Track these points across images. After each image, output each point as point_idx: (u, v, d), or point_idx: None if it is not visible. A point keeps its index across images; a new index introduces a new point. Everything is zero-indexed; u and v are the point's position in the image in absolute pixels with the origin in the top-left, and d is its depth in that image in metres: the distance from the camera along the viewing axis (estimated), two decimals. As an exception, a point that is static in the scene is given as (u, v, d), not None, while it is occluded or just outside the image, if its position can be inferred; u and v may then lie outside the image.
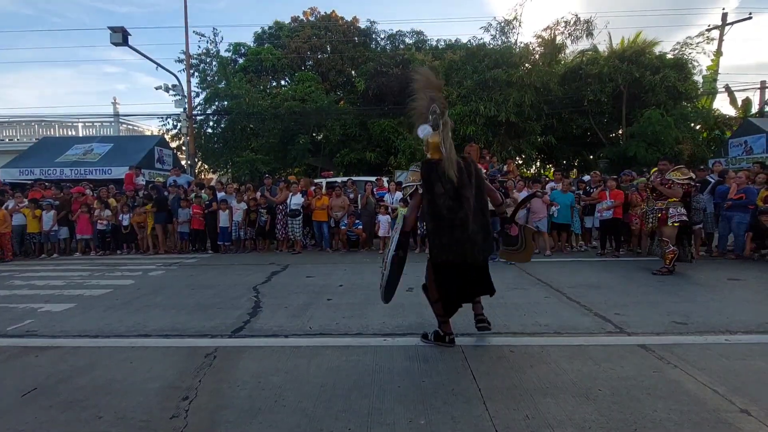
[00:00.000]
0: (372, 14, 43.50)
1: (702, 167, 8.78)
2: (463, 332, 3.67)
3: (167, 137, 17.08)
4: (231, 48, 19.12)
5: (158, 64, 14.33)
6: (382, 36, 19.36)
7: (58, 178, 12.53)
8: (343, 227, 8.98)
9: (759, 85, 16.61)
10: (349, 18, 19.81)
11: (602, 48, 15.63)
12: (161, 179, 13.03)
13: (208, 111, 17.50)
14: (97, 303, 4.96)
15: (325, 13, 20.09)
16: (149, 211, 9.11)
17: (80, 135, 16.93)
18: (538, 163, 18.02)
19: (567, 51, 15.70)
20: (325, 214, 9.01)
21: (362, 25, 19.42)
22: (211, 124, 17.92)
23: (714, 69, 16.03)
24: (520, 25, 15.56)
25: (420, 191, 3.21)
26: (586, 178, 9.82)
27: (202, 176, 17.75)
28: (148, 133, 18.97)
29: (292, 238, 9.10)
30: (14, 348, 3.48)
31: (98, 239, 9.47)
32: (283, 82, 19.67)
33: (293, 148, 15.98)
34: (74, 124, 17.66)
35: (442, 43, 18.79)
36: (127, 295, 5.29)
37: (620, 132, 15.37)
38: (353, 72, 18.92)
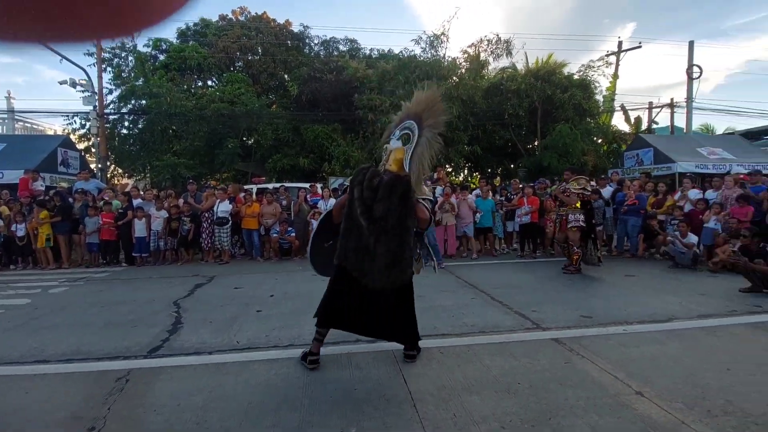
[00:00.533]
0: (304, 19, 43.12)
1: (603, 176, 9.92)
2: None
3: (74, 137, 15.28)
4: (150, 43, 17.72)
5: (63, 56, 12.76)
6: (316, 41, 19.24)
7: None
8: (274, 235, 8.69)
9: (647, 105, 19.19)
10: (281, 21, 19.43)
11: (520, 66, 16.99)
12: (65, 184, 11.59)
13: (123, 110, 16.01)
14: (-21, 328, 4.27)
15: (256, 13, 19.50)
16: (45, 221, 8.05)
17: (-39, 132, 14.58)
18: (465, 171, 19.01)
19: (490, 67, 16.83)
20: (255, 221, 8.66)
21: (295, 29, 19.14)
22: (126, 124, 16.41)
23: (612, 90, 18.17)
24: (447, 40, 16.39)
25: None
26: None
27: (116, 181, 16.17)
28: (50, 132, 16.86)
29: (219, 248, 8.61)
30: None
31: (-17, 253, 8.18)
32: (210, 83, 18.65)
33: (221, 152, 15.17)
34: (-48, 119, 15.18)
35: (376, 53, 19.15)
36: (22, 316, 4.62)
37: (536, 143, 16.76)
38: (286, 76, 18.52)
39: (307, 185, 11.02)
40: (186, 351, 3.50)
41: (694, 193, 8.30)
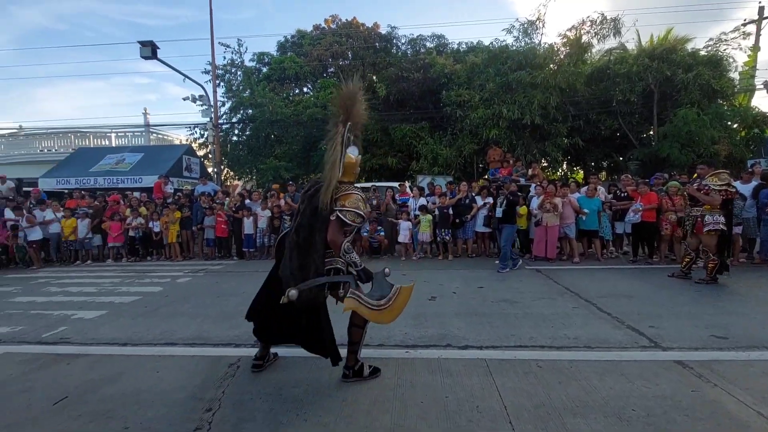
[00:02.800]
0: (393, 20, 43.67)
1: (749, 170, 8.11)
2: (488, 345, 3.58)
3: (194, 146, 17.60)
4: (255, 58, 19.57)
5: (185, 76, 14.81)
6: (403, 41, 19.39)
7: (92, 187, 13.08)
8: (364, 234, 8.97)
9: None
10: (370, 24, 19.98)
11: (631, 46, 15.12)
12: (189, 187, 13.41)
13: (233, 119, 17.93)
14: (127, 310, 5.11)
15: (347, 20, 20.31)
16: (172, 219, 9.36)
17: (113, 145, 17.65)
18: (564, 166, 17.57)
19: (593, 50, 15.27)
20: (346, 220, 9.02)
21: (383, 30, 19.52)
22: (236, 132, 18.36)
23: (751, 65, 15.19)
24: (543, 26, 15.25)
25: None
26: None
27: (228, 183, 18.17)
28: (176, 142, 19.60)
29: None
30: (48, 355, 3.61)
31: (128, 246, 9.81)
32: (305, 90, 19.95)
33: (315, 154, 16.15)
34: (107, 134, 18.43)
35: (464, 46, 18.65)
36: (156, 303, 5.43)
37: (651, 132, 14.80)
38: (374, 77, 19.01)
39: (395, 184, 11.18)
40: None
41: None
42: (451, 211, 8.52)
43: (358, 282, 2.80)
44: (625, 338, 3.69)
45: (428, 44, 18.93)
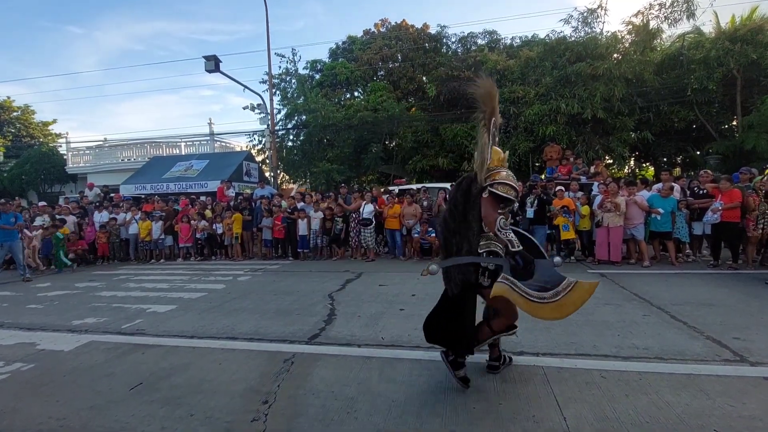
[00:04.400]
0: (443, 19, 43.24)
1: None
2: (545, 352, 3.40)
3: (253, 152, 18.59)
4: (308, 65, 20.28)
5: (245, 86, 15.69)
6: (453, 40, 19.12)
7: (165, 192, 14.27)
8: (415, 235, 8.92)
9: None
10: (419, 25, 19.93)
11: (707, 29, 13.74)
12: (249, 191, 14.17)
13: (289, 126, 18.69)
14: (194, 305, 5.49)
15: (396, 23, 20.42)
16: (235, 220, 9.93)
17: (182, 153, 19.13)
18: (632, 162, 16.33)
19: (664, 36, 14.06)
20: (397, 222, 9.05)
21: (433, 30, 19.38)
22: (291, 137, 19.13)
23: None
24: (605, 13, 14.32)
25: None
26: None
27: (284, 186, 18.98)
28: (237, 149, 20.82)
29: (365, 246, 9.28)
30: (127, 345, 3.97)
31: (196, 246, 10.57)
32: (356, 94, 20.33)
33: (366, 156, 16.39)
34: (178, 143, 20.00)
35: (518, 41, 18.02)
36: (219, 299, 5.78)
37: (734, 123, 13.32)
38: (424, 78, 18.90)
39: (447, 185, 11.02)
40: (339, 341, 3.84)
41: None
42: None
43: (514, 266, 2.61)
44: (704, 350, 3.32)
45: (479, 41, 18.51)
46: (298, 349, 3.65)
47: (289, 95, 19.01)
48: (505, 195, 2.64)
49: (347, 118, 16.54)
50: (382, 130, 16.60)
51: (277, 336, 4.05)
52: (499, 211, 2.65)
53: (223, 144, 20.64)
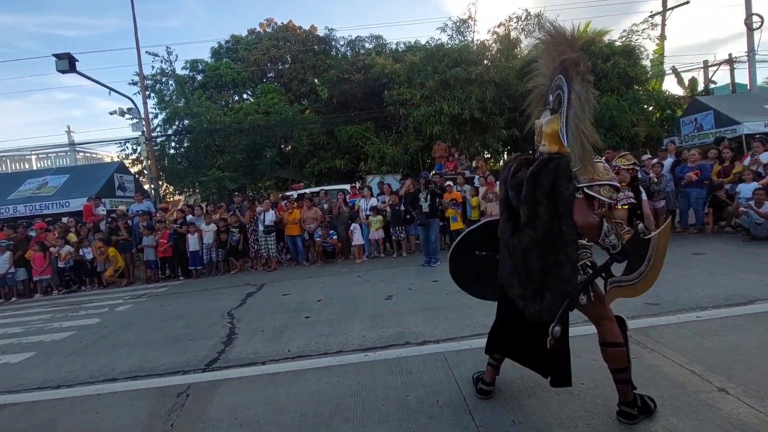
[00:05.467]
0: (329, 22, 43.45)
1: (663, 148, 9.08)
2: (445, 338, 3.63)
3: (127, 162, 16.44)
4: (188, 65, 18.64)
5: (110, 88, 13.76)
6: (342, 43, 19.33)
7: (11, 216, 11.81)
8: (317, 239, 8.83)
9: (702, 65, 17.49)
10: (306, 27, 19.69)
11: (555, 40, 16.09)
12: (123, 207, 12.47)
13: (169, 131, 16.96)
14: (59, 348, 4.64)
15: (282, 23, 19.90)
16: (105, 247, 8.68)
17: (34, 168, 16.06)
18: (505, 157, 18.37)
19: (522, 45, 16.09)
20: (297, 227, 8.84)
21: (321, 33, 19.34)
22: (173, 144, 17.38)
23: (660, 52, 16.75)
24: (474, 23, 15.86)
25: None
26: None
27: (168, 199, 17.18)
28: (107, 159, 18.20)
29: (266, 255, 8.87)
30: (-36, 411, 3.19)
31: (59, 277, 8.96)
32: (245, 96, 19.31)
33: (261, 162, 15.67)
34: (27, 157, 16.75)
35: (402, 46, 18.92)
36: (93, 336, 4.99)
37: (579, 120, 15.83)
38: (316, 80, 18.77)
39: (346, 186, 11.11)
40: (241, 362, 3.60)
41: (767, 157, 7.44)
42: (402, 208, 8.59)
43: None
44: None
45: (367, 45, 19.03)
46: (193, 379, 3.33)
47: (166, 98, 17.24)
48: (608, 200, 2.01)
49: (237, 122, 15.63)
50: (276, 133, 16.05)
51: (168, 368, 3.65)
52: (596, 211, 2.10)
53: (88, 155, 17.87)
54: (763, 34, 15.69)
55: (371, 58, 16.67)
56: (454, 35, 15.80)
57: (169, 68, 17.43)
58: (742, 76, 16.57)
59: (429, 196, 7.34)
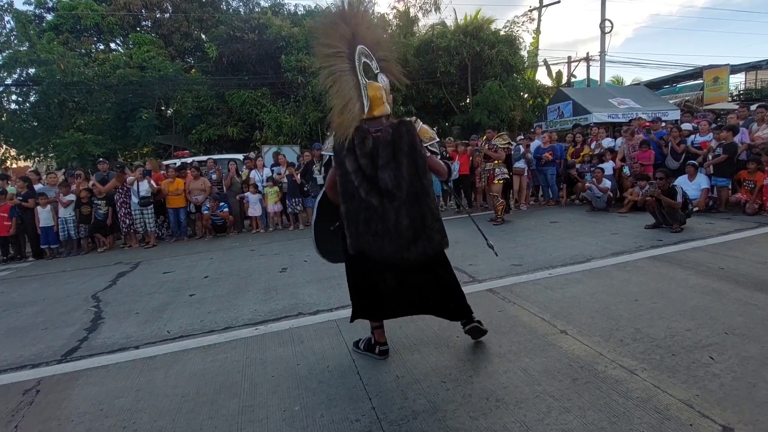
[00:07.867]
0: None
1: (532, 131, 10.45)
2: (338, 306, 3.71)
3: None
4: (33, 0, 15.13)
5: None
6: (233, -4, 17.58)
7: None
8: (205, 212, 8.16)
9: (566, 60, 20.15)
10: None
11: (450, 23, 16.89)
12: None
13: (7, 81, 13.75)
14: None
15: (159, -36, 17.20)
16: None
17: None
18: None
19: (420, 24, 16.53)
20: (181, 199, 8.04)
21: (207, -18, 17.27)
22: (14, 98, 14.18)
23: (535, 45, 18.76)
24: (375, -5, 15.73)
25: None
26: None
27: (8, 164, 14.15)
28: None
29: (141, 231, 7.93)
30: None
31: None
32: (113, 46, 16.50)
33: (135, 125, 13.70)
34: None
35: (302, 9, 18.01)
36: None
37: (468, 101, 17.08)
38: (203, 36, 16.84)
39: (239, 156, 10.38)
40: (109, 349, 3.21)
41: (608, 142, 8.99)
42: (299, 180, 8.38)
43: None
44: (452, 279, 4.29)
45: (263, 3, 17.62)
46: (45, 372, 2.88)
47: (2, 39, 13.85)
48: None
49: (102, 76, 13.33)
50: (154, 93, 14.15)
51: (12, 363, 3.08)
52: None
53: None
54: (612, 38, 18.59)
55: (267, 18, 15.52)
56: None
57: (5, 1, 13.96)
58: (595, 73, 19.53)
59: (323, 168, 7.27)
